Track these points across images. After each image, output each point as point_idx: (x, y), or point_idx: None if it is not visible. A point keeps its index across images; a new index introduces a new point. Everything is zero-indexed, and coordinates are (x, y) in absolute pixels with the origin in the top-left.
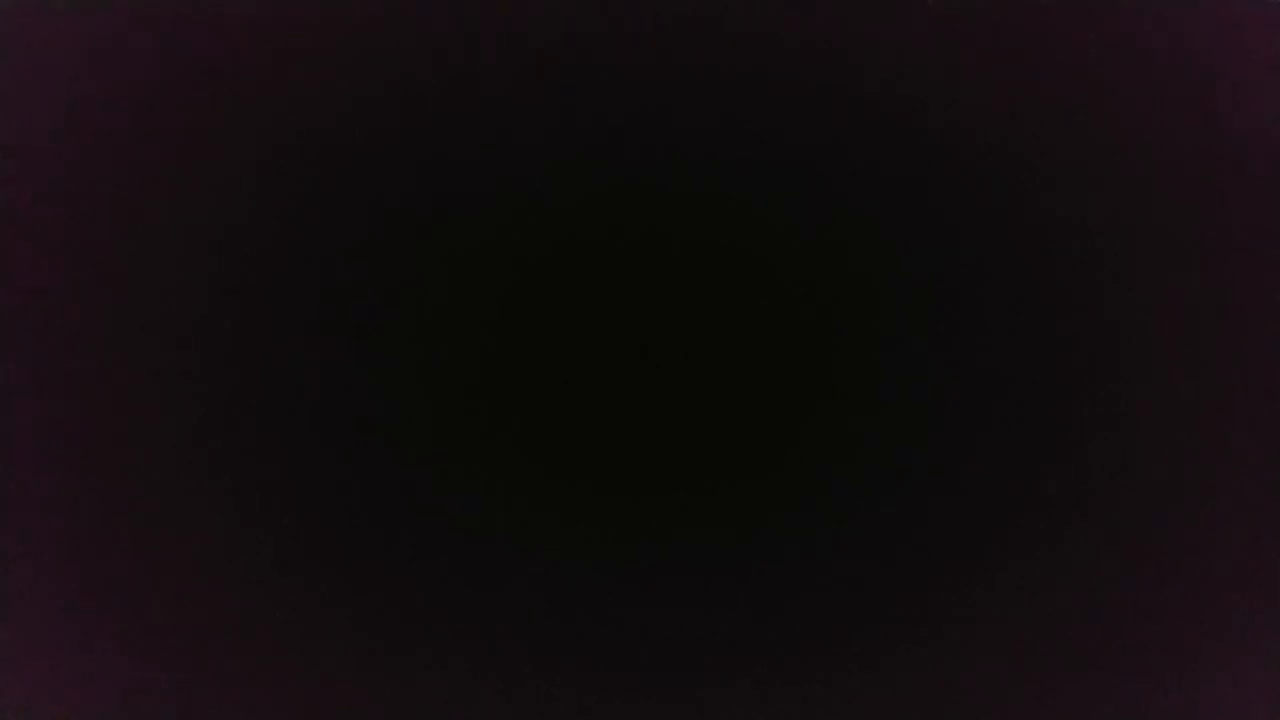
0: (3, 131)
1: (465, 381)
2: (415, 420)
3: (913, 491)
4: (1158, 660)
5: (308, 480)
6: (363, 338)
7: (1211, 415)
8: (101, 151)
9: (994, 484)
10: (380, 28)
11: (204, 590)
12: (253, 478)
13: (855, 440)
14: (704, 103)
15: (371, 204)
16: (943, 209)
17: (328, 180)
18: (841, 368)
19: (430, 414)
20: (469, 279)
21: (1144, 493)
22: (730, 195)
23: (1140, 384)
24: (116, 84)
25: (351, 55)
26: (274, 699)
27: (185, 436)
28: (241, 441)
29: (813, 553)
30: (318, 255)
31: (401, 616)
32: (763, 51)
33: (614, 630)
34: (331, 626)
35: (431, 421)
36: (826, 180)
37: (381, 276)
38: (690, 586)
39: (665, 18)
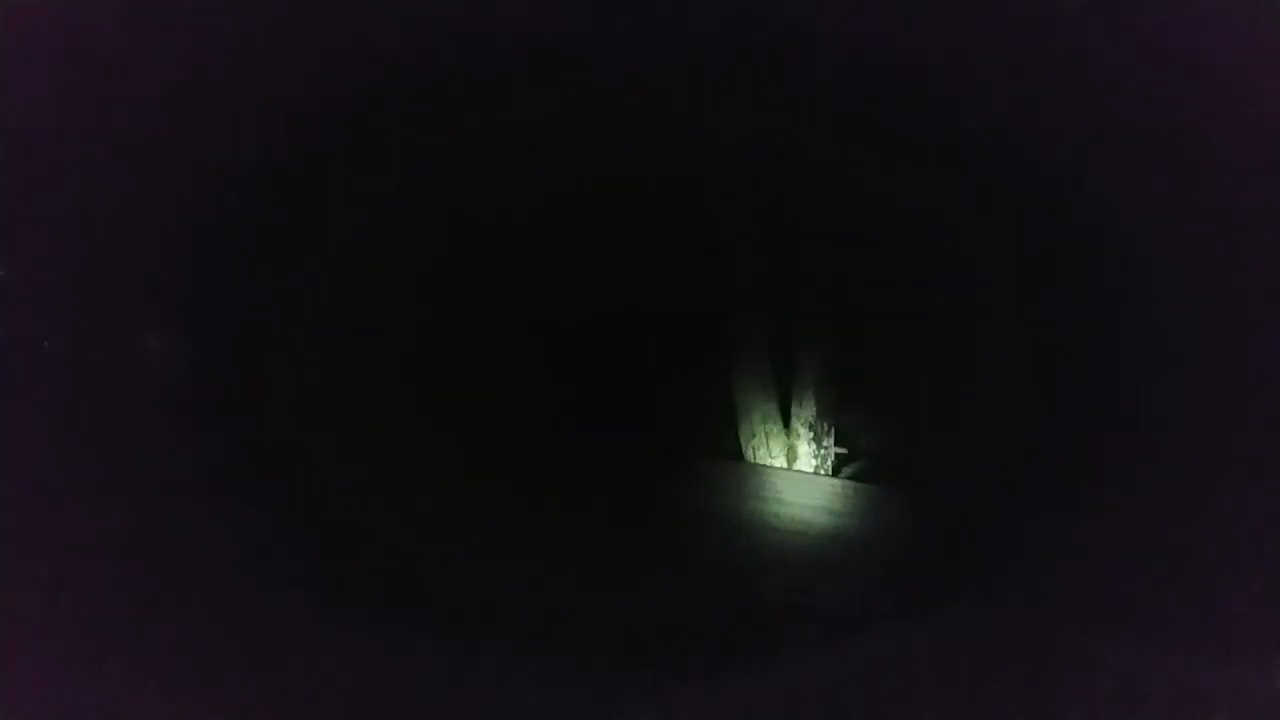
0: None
1: (457, 378)
2: (406, 417)
3: (910, 486)
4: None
5: (301, 478)
6: (359, 335)
7: (1211, 413)
8: (97, 150)
9: (993, 482)
10: (375, 27)
11: (199, 591)
12: (246, 474)
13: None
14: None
15: (363, 201)
16: (943, 207)
17: (320, 178)
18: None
19: (420, 411)
20: (461, 277)
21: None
22: (737, 194)
23: (1138, 383)
24: (110, 84)
25: (343, 55)
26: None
27: (182, 435)
28: (236, 437)
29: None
30: (309, 253)
31: (398, 611)
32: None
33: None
34: (327, 625)
35: (421, 419)
36: (826, 178)
37: (375, 274)
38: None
39: (665, 17)
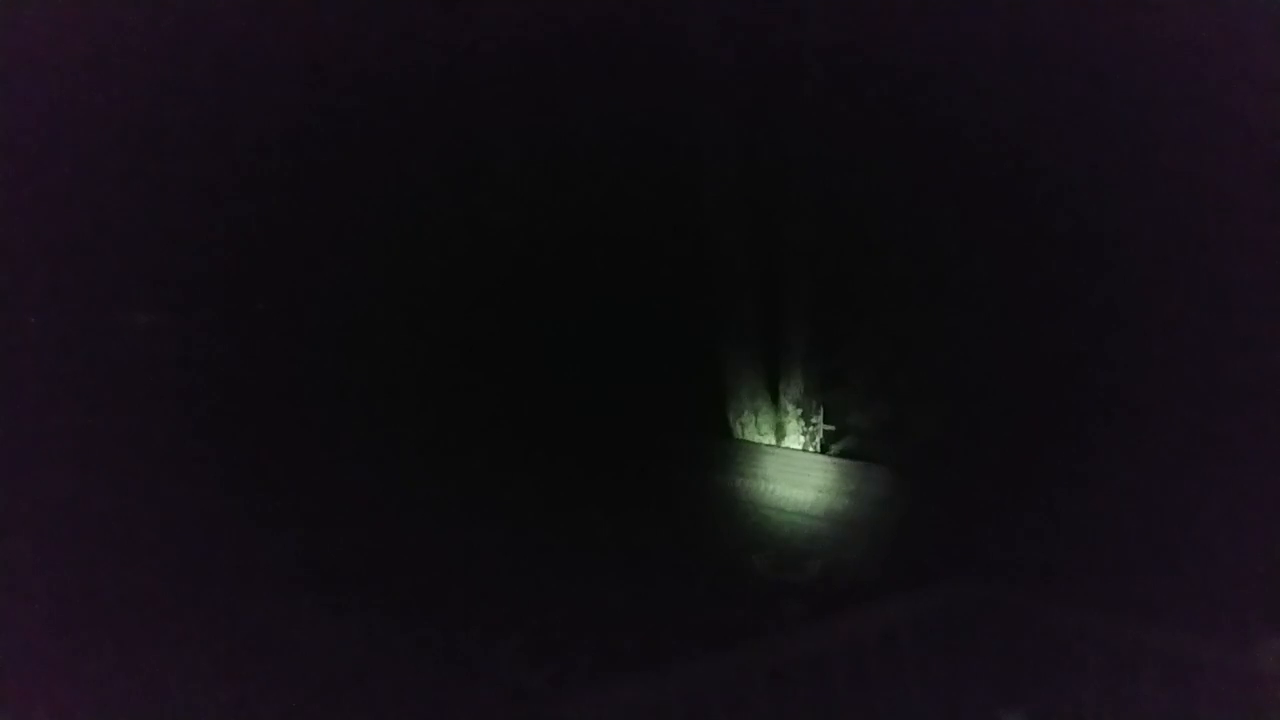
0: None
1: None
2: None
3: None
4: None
5: (296, 468)
6: (358, 328)
7: (1210, 411)
8: (96, 151)
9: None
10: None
11: (201, 593)
12: (246, 476)
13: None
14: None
15: (365, 202)
16: (943, 208)
17: (319, 178)
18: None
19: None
20: (457, 279)
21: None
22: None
23: (1134, 380)
24: (109, 87)
25: (344, 55)
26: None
27: (183, 435)
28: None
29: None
30: (309, 254)
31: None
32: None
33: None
34: (321, 620)
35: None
36: (827, 180)
37: (375, 265)
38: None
39: (665, 19)
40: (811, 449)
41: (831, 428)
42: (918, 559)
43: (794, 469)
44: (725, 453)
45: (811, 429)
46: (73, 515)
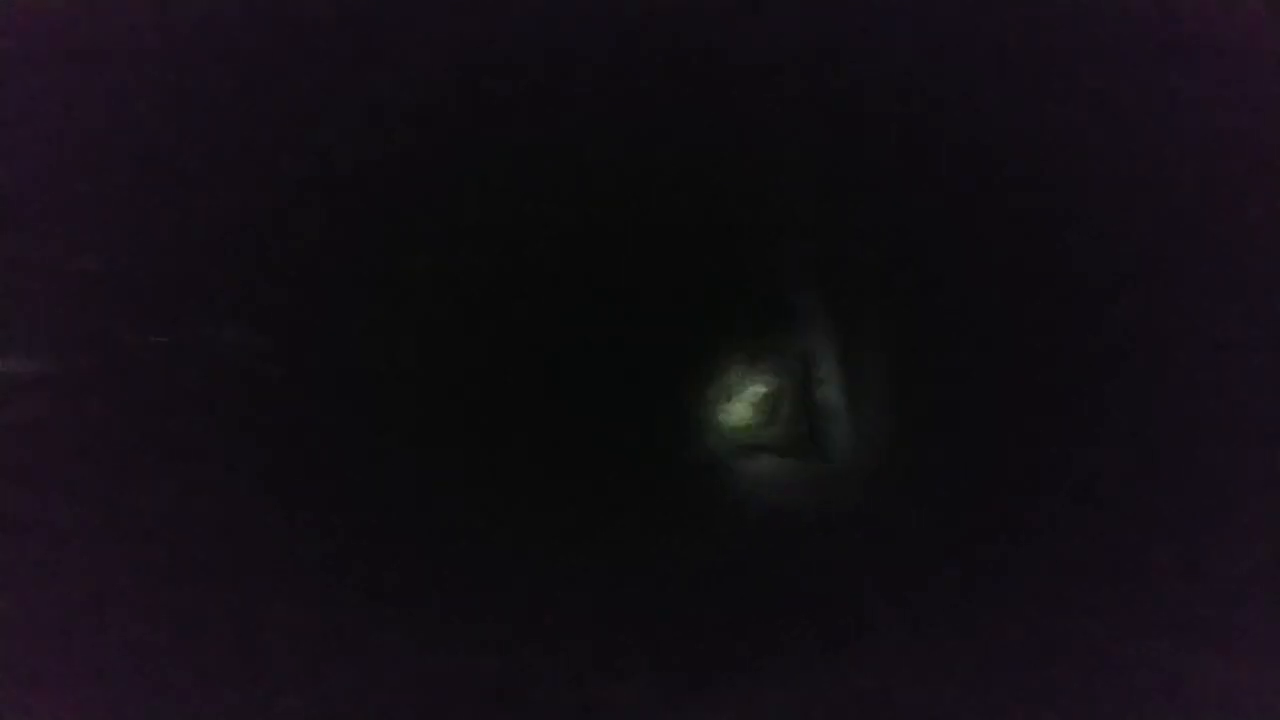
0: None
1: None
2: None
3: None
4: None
5: (309, 481)
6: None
7: (1213, 412)
8: (99, 154)
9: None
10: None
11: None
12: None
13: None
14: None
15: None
16: (943, 210)
17: (323, 178)
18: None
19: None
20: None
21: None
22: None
23: (1139, 381)
24: (114, 89)
25: (356, 59)
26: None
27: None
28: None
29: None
30: (324, 254)
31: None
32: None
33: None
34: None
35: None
36: (829, 181)
37: (396, 273)
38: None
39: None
40: (812, 458)
41: (832, 439)
42: (918, 569)
43: (791, 477)
44: (722, 459)
45: (810, 438)
46: (89, 516)
